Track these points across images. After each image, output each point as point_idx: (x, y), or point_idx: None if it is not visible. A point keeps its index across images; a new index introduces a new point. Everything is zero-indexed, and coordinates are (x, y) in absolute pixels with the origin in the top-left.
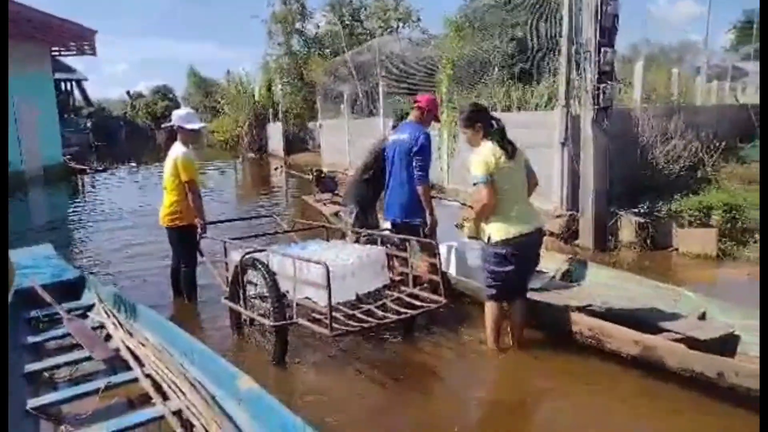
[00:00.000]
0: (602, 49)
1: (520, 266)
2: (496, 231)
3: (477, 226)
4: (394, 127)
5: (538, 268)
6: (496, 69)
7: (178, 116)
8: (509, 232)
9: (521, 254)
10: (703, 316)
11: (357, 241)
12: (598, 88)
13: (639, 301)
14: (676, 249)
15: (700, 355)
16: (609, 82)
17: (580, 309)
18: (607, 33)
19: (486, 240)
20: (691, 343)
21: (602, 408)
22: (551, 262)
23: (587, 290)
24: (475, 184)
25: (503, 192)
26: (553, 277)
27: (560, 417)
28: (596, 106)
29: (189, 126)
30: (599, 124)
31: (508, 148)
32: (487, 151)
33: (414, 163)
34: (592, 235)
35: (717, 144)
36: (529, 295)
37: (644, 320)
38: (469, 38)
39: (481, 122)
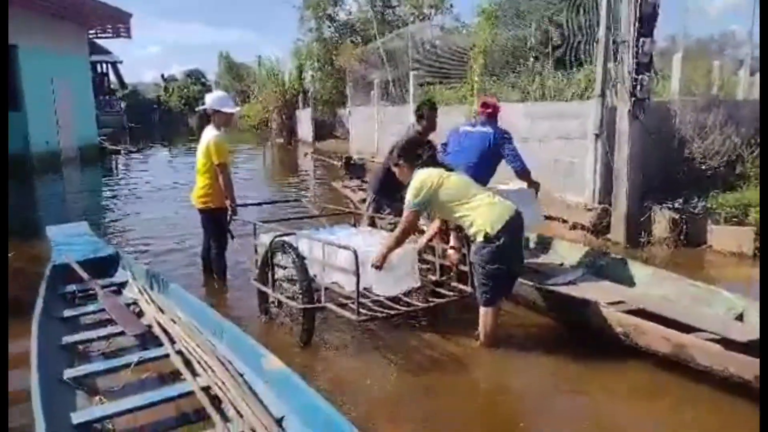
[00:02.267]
0: (641, 39)
1: (510, 258)
2: (492, 222)
3: (386, 255)
4: (419, 113)
5: (568, 263)
6: (531, 58)
7: (213, 99)
8: (505, 217)
9: (509, 245)
10: (740, 317)
11: (372, 225)
12: (636, 80)
13: (673, 299)
14: (710, 246)
15: (738, 356)
16: (647, 73)
17: (612, 305)
18: (646, 22)
19: (483, 237)
20: (729, 344)
21: (630, 406)
22: (582, 256)
23: (619, 286)
24: (406, 209)
25: (463, 194)
26: (584, 272)
27: (586, 414)
28: (633, 98)
29: (224, 109)
30: (635, 116)
31: (444, 166)
32: (422, 176)
33: (506, 152)
34: (623, 230)
35: (758, 139)
36: (560, 289)
37: (678, 319)
38: (502, 26)
39: (404, 159)
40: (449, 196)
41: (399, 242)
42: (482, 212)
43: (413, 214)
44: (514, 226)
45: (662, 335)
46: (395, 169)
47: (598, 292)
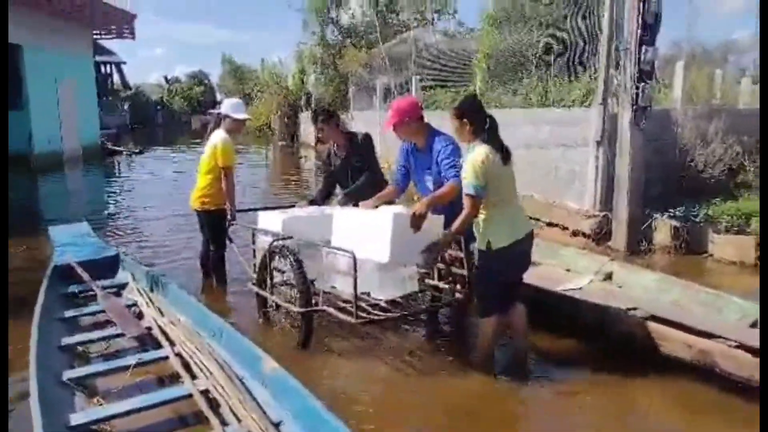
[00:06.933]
0: (643, 47)
1: (516, 273)
2: (499, 237)
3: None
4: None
5: (574, 270)
6: (533, 64)
7: (228, 105)
8: (512, 238)
9: (519, 260)
10: (755, 324)
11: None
12: (638, 87)
13: (684, 305)
14: (711, 255)
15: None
16: (649, 81)
17: (626, 311)
18: (649, 30)
19: (485, 247)
20: (749, 351)
21: (645, 411)
22: (589, 263)
23: (628, 293)
24: (466, 194)
25: (500, 195)
26: (591, 279)
27: (594, 420)
28: (634, 106)
29: (236, 116)
30: (637, 124)
31: (503, 151)
32: (482, 154)
33: None
34: (624, 237)
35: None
36: (570, 294)
37: (692, 325)
38: (506, 32)
39: (468, 117)
40: (491, 184)
41: (460, 233)
42: (499, 222)
43: (474, 203)
44: (526, 245)
45: (684, 341)
46: (454, 121)
47: (608, 298)
